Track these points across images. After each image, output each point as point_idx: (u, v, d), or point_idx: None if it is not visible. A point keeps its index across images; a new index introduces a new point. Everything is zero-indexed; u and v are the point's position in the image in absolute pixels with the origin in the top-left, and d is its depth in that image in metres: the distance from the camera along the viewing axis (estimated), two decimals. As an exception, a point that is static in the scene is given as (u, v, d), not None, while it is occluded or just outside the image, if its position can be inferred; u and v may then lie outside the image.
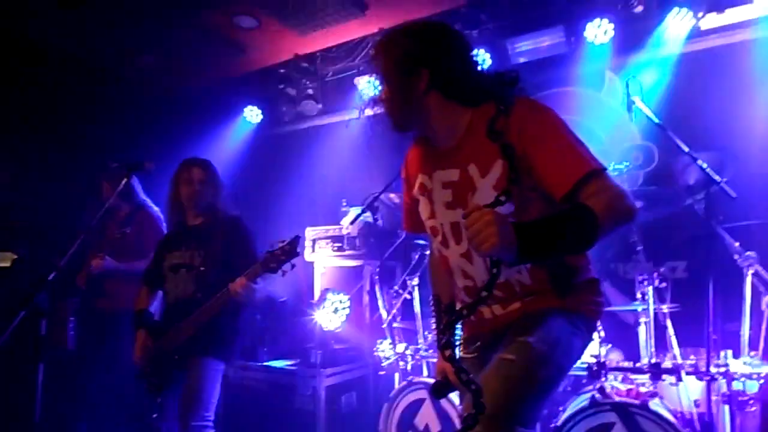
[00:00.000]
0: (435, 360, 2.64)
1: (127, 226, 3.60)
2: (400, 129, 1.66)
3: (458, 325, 1.74)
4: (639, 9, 4.09)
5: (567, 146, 1.45)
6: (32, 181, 5.50)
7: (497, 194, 1.31)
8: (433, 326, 1.82)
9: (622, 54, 4.32)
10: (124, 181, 2.78)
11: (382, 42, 1.63)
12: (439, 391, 1.78)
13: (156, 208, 3.73)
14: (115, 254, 3.52)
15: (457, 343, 1.78)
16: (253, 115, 5.96)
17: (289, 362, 4.02)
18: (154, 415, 2.75)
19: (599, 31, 4.22)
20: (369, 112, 1.74)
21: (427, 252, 3.64)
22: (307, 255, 4.69)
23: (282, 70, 5.63)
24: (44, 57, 5.34)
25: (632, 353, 3.16)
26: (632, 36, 4.23)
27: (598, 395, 2.56)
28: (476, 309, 1.32)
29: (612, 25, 4.17)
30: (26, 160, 5.55)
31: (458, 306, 1.75)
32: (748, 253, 2.78)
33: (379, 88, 1.65)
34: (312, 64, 5.55)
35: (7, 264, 4.75)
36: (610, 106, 4.44)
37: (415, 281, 3.61)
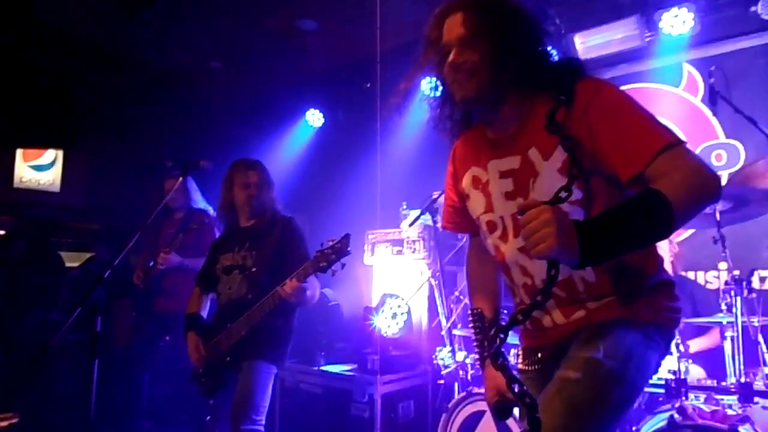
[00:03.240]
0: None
1: (186, 227, 3.64)
2: (472, 101, 1.46)
3: (510, 333, 1.59)
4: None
5: (636, 123, 1.28)
6: (107, 185, 5.74)
7: (561, 185, 1.18)
8: (475, 342, 1.62)
9: (703, 45, 4.00)
10: (179, 182, 2.78)
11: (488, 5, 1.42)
12: (501, 411, 1.58)
13: (212, 211, 3.77)
14: (177, 253, 3.58)
15: (511, 354, 1.63)
16: (314, 118, 5.97)
17: (346, 367, 3.94)
18: (207, 418, 2.73)
19: (677, 21, 3.92)
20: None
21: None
22: (367, 258, 4.62)
23: (343, 73, 5.61)
24: (119, 66, 5.57)
25: (716, 371, 2.88)
26: (714, 25, 3.90)
27: (677, 416, 2.32)
28: (531, 314, 1.17)
29: (691, 15, 3.87)
30: (100, 165, 5.81)
31: (518, 307, 1.58)
32: None
33: (460, 53, 1.41)
34: (374, 65, 5.48)
35: (75, 264, 4.99)
36: (689, 103, 4.13)
37: (476, 287, 3.44)
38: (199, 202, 3.88)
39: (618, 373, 1.30)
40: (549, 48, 1.47)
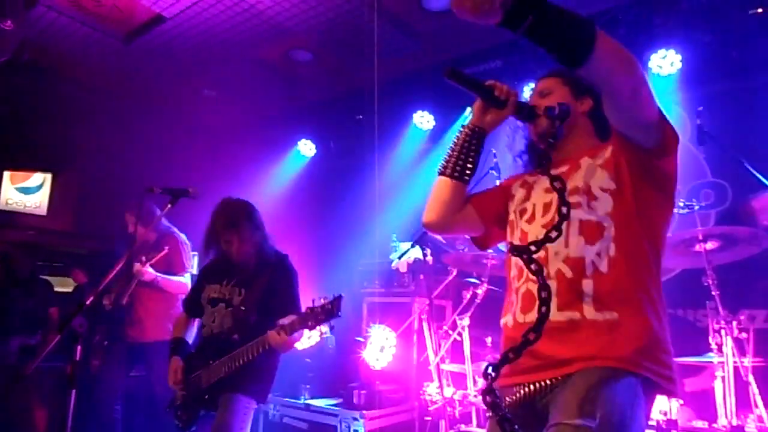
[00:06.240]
0: (485, 407, 2.21)
1: (155, 251, 3.60)
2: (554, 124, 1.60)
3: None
4: (708, 39, 3.88)
5: None
6: (95, 209, 5.68)
7: (552, 226, 1.18)
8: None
9: (691, 86, 4.07)
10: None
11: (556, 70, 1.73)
12: None
13: (182, 235, 3.74)
14: None
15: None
16: (306, 148, 5.99)
17: (331, 402, 3.86)
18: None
19: (665, 62, 4.00)
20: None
21: (479, 291, 3.46)
22: (355, 289, 4.58)
23: (336, 104, 5.66)
24: (110, 90, 5.58)
25: (705, 412, 2.84)
26: (701, 66, 3.98)
27: (668, 458, 2.28)
28: (521, 353, 1.15)
29: (679, 56, 3.95)
30: (88, 189, 5.76)
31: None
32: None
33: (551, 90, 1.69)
34: (366, 97, 5.53)
35: (69, 289, 4.88)
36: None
37: (466, 321, 3.41)
38: (163, 223, 3.79)
39: None
40: None
